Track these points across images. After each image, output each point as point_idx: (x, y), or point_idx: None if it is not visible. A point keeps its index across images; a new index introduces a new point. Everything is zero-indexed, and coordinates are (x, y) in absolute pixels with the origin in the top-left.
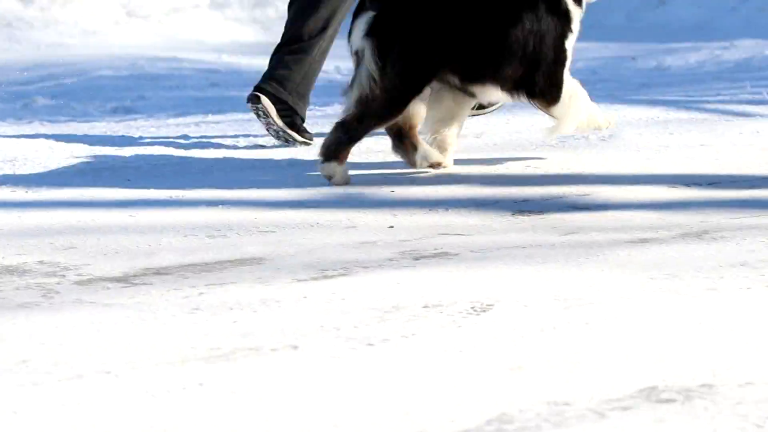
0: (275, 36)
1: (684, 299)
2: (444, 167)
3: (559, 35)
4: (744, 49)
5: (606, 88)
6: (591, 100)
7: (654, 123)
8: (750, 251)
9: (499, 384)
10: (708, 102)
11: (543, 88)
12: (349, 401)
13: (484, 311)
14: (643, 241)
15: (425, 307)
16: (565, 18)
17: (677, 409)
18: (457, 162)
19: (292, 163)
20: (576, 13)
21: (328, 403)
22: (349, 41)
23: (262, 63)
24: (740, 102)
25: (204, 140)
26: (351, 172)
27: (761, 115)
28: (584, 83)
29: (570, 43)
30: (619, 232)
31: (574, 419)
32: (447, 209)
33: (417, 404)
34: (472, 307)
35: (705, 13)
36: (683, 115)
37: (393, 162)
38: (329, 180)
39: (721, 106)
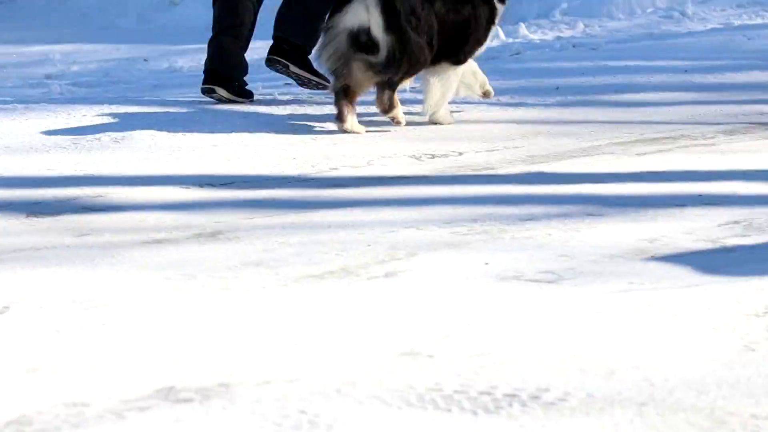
0: None
1: (199, 299)
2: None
3: (486, 25)
4: (253, 50)
5: (118, 89)
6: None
7: (166, 124)
8: (264, 251)
9: (17, 386)
10: (219, 103)
11: (461, 60)
12: None
13: None
14: (158, 241)
15: None
16: (491, 12)
17: (195, 409)
18: None
19: None
20: (500, 10)
21: None
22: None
23: None
24: (251, 102)
25: None
26: None
27: (273, 115)
28: (96, 85)
29: (491, 32)
30: (133, 233)
31: (92, 420)
32: None
33: None
34: None
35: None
36: (195, 116)
37: None
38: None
39: (232, 107)
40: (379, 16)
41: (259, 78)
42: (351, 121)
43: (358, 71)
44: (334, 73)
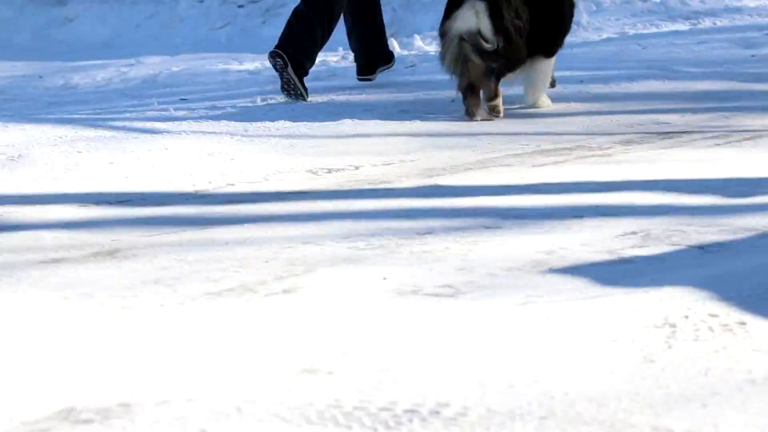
0: None
1: (98, 319)
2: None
3: (570, 19)
4: (150, 65)
5: (14, 107)
6: None
7: (63, 142)
8: (162, 268)
9: None
10: (116, 119)
11: (554, 52)
12: None
13: None
14: (55, 261)
15: None
16: (572, 6)
17: (96, 430)
18: None
19: None
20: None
21: None
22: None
23: None
24: (148, 119)
25: None
26: None
27: (169, 132)
28: None
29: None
30: (30, 252)
31: None
32: None
33: None
34: None
35: (111, 30)
36: (92, 133)
37: None
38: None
39: (129, 124)
40: (488, 20)
41: (155, 94)
42: (481, 113)
43: (475, 69)
44: (457, 74)
